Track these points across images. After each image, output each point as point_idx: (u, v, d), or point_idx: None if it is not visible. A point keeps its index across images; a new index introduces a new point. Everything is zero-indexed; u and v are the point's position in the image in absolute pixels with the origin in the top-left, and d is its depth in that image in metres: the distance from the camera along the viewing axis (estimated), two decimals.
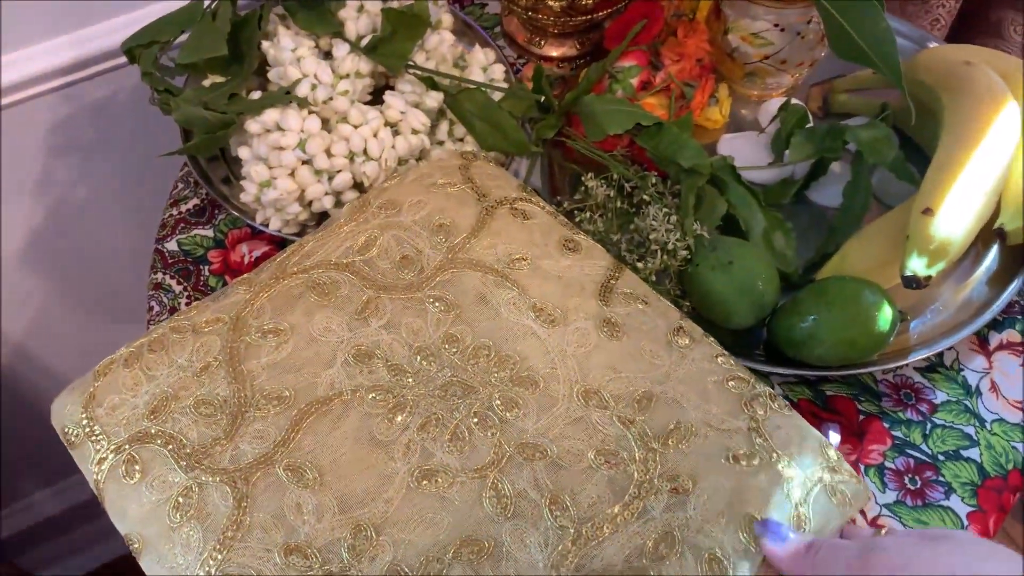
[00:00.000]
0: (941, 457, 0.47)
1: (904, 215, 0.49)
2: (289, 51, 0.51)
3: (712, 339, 0.41)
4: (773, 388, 0.47)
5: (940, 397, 0.49)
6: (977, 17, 0.80)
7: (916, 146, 0.57)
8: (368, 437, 0.37)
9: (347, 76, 0.51)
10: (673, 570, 0.33)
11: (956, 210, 0.47)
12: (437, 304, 0.41)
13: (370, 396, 0.38)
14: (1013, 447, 0.47)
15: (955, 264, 0.51)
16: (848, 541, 0.32)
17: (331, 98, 0.50)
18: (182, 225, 0.57)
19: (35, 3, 0.59)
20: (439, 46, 0.55)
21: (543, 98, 0.55)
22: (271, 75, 0.52)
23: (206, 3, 0.53)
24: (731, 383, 0.39)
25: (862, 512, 0.46)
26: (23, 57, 0.61)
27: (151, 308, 0.54)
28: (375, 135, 0.50)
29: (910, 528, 0.45)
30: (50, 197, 0.73)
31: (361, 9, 0.53)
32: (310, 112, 0.49)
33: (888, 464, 0.47)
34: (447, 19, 0.56)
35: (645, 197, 0.50)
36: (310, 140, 0.48)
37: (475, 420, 0.37)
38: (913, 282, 0.45)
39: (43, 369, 0.88)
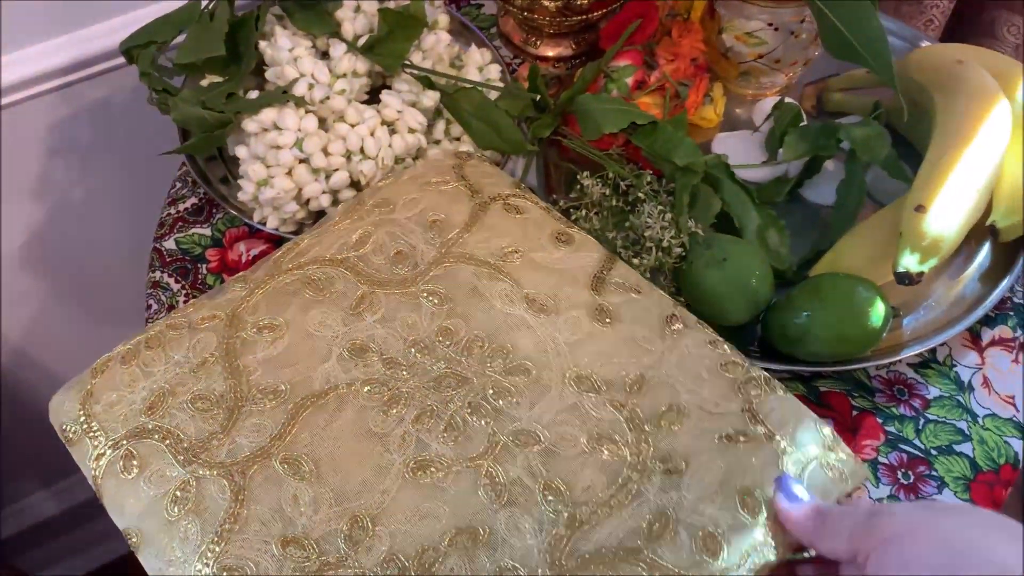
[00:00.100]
0: (934, 452, 0.48)
1: (897, 212, 0.49)
2: (286, 51, 0.51)
3: (706, 326, 0.41)
4: None
5: (933, 392, 0.50)
6: (971, 17, 0.80)
7: (909, 144, 0.57)
8: (364, 430, 0.37)
9: (344, 76, 0.51)
10: (667, 549, 0.34)
11: (948, 207, 0.47)
12: (431, 298, 0.41)
13: (365, 389, 0.38)
14: (1005, 442, 0.48)
15: (948, 261, 0.51)
16: (855, 507, 0.32)
17: (328, 97, 0.50)
18: (180, 224, 0.58)
19: (33, 4, 0.59)
20: (436, 46, 0.55)
21: (539, 97, 0.55)
22: (268, 75, 0.52)
23: (204, 4, 0.53)
24: (725, 367, 0.39)
25: None
26: (21, 58, 0.62)
27: (149, 306, 0.54)
28: (372, 134, 0.50)
29: None
30: (49, 197, 0.73)
31: (358, 9, 0.54)
32: (307, 111, 0.50)
33: (881, 459, 0.48)
34: (443, 19, 0.57)
35: (640, 195, 0.50)
36: (307, 139, 0.49)
37: (469, 410, 0.38)
38: (906, 278, 0.45)
39: (41, 369, 0.88)
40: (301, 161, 0.49)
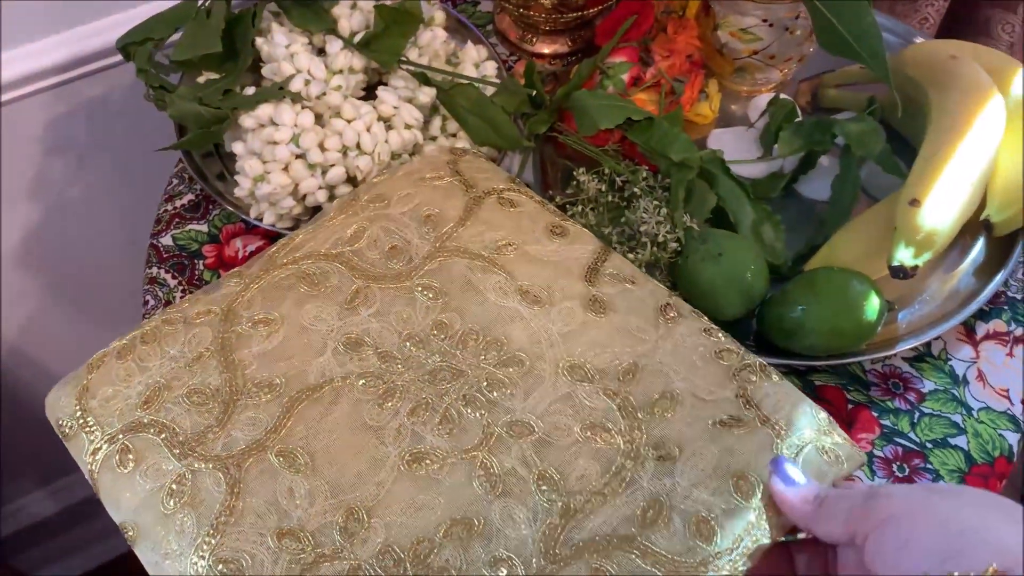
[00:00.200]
0: (929, 445, 0.48)
1: (891, 207, 0.49)
2: (283, 47, 0.51)
3: (701, 315, 0.42)
4: None
5: (928, 386, 0.50)
6: (966, 16, 0.81)
7: (903, 140, 0.57)
8: (359, 423, 0.37)
9: (340, 72, 0.52)
10: (661, 535, 0.34)
11: (942, 201, 0.47)
12: (426, 292, 0.41)
13: (360, 383, 0.38)
14: (1000, 435, 0.48)
15: (942, 255, 0.52)
16: (852, 490, 0.32)
17: (324, 93, 0.50)
18: (177, 220, 0.58)
19: (29, 2, 0.60)
20: (432, 42, 0.55)
21: (535, 93, 0.55)
22: (265, 71, 0.52)
23: (200, 1, 0.53)
24: (719, 355, 0.39)
25: None
26: (17, 56, 0.62)
27: (146, 302, 0.54)
28: (368, 130, 0.50)
29: None
30: (45, 195, 0.73)
31: (354, 6, 0.54)
32: (304, 107, 0.50)
33: (877, 452, 0.48)
34: (440, 16, 0.57)
35: (636, 191, 0.50)
36: (304, 134, 0.49)
37: (463, 403, 0.38)
38: (900, 272, 0.46)
39: (39, 368, 0.88)
40: (297, 157, 0.49)
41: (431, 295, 0.41)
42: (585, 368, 0.39)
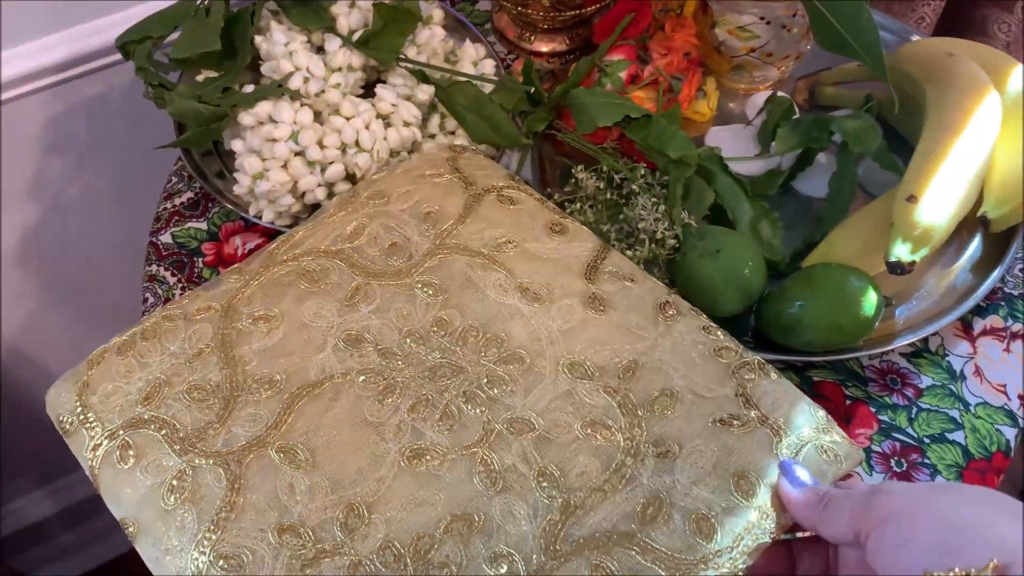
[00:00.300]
0: (927, 440, 0.48)
1: (888, 204, 0.50)
2: (282, 45, 0.51)
3: (700, 313, 0.42)
4: None
5: (925, 382, 0.50)
6: (962, 15, 0.81)
7: (900, 137, 0.58)
8: (359, 419, 0.37)
9: (339, 70, 0.52)
10: (661, 532, 0.34)
11: (939, 197, 0.47)
12: (426, 289, 0.41)
13: (361, 379, 0.38)
14: (997, 430, 0.48)
15: (939, 252, 0.52)
16: (854, 489, 0.32)
17: (323, 91, 0.50)
18: (176, 218, 0.58)
19: (29, 1, 0.60)
20: (430, 40, 0.55)
21: (533, 90, 0.55)
22: (264, 69, 0.53)
23: (199, 0, 0.53)
24: (718, 352, 0.40)
25: None
26: (16, 55, 0.62)
27: (145, 299, 0.54)
28: (367, 127, 0.50)
29: None
30: (44, 194, 0.73)
31: (353, 4, 0.54)
32: (303, 105, 0.50)
33: (875, 447, 0.48)
34: (438, 14, 0.57)
35: (634, 188, 0.51)
36: (303, 132, 0.49)
37: (463, 399, 0.38)
38: (898, 268, 0.46)
39: (38, 367, 0.88)
40: (297, 154, 0.49)
41: (431, 292, 0.41)
42: (585, 365, 0.39)
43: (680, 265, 0.48)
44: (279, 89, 0.49)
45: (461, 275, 0.42)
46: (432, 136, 0.55)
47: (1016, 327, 0.52)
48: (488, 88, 0.55)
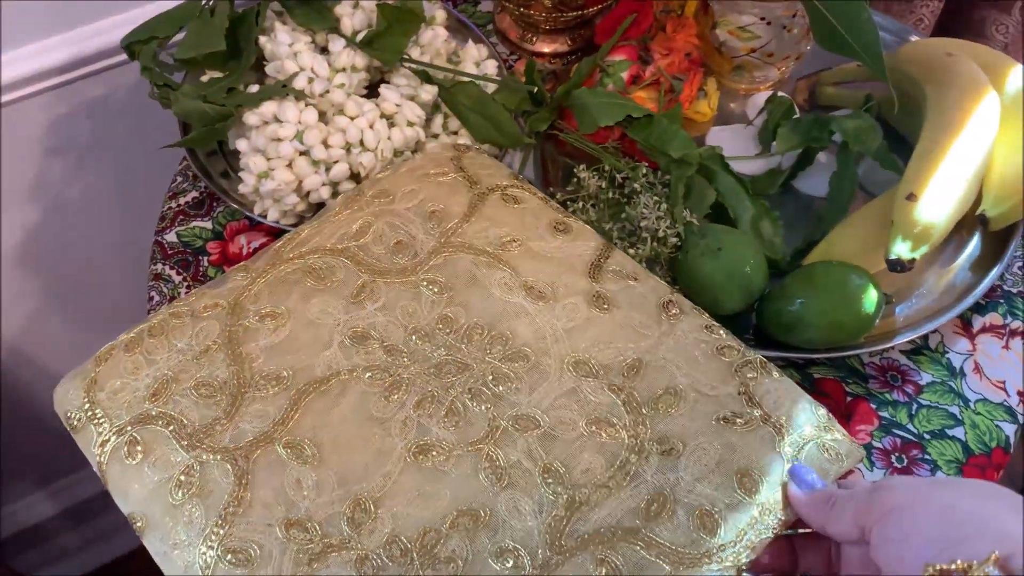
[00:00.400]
0: (927, 436, 0.48)
1: (888, 202, 0.50)
2: (286, 46, 0.52)
3: (702, 311, 0.42)
4: None
5: (925, 378, 0.51)
6: (960, 17, 0.82)
7: (900, 136, 0.58)
8: (366, 415, 0.38)
9: (343, 70, 0.52)
10: (665, 528, 0.34)
11: (939, 196, 0.48)
12: (431, 287, 0.42)
13: (367, 375, 0.39)
14: (997, 426, 0.49)
15: (939, 250, 0.52)
16: (859, 485, 0.32)
17: (328, 91, 0.51)
18: (181, 217, 0.58)
19: (32, 2, 0.60)
20: (433, 41, 0.56)
21: (536, 90, 0.56)
22: (268, 69, 0.53)
23: (204, 0, 0.54)
24: (721, 351, 0.40)
25: None
26: (19, 56, 0.62)
27: (151, 298, 0.54)
28: (371, 127, 0.51)
29: None
30: (46, 196, 0.73)
31: (356, 5, 0.54)
32: (307, 104, 0.50)
33: (876, 443, 0.48)
34: (441, 15, 0.57)
35: (636, 187, 0.51)
36: (307, 131, 0.49)
37: (469, 396, 0.38)
38: (898, 265, 0.46)
39: (39, 368, 0.88)
40: (301, 153, 0.50)
41: (436, 290, 0.42)
42: (590, 364, 0.39)
43: (682, 263, 0.49)
44: (284, 89, 0.50)
45: (466, 273, 0.42)
46: (435, 136, 0.56)
47: (1015, 324, 0.53)
48: (491, 88, 0.55)
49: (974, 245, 0.54)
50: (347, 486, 0.36)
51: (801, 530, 0.35)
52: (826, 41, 0.48)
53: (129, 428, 0.37)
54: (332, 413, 0.38)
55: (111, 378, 0.39)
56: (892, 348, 0.51)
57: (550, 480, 0.36)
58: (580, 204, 0.52)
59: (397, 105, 0.52)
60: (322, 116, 0.51)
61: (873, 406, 0.50)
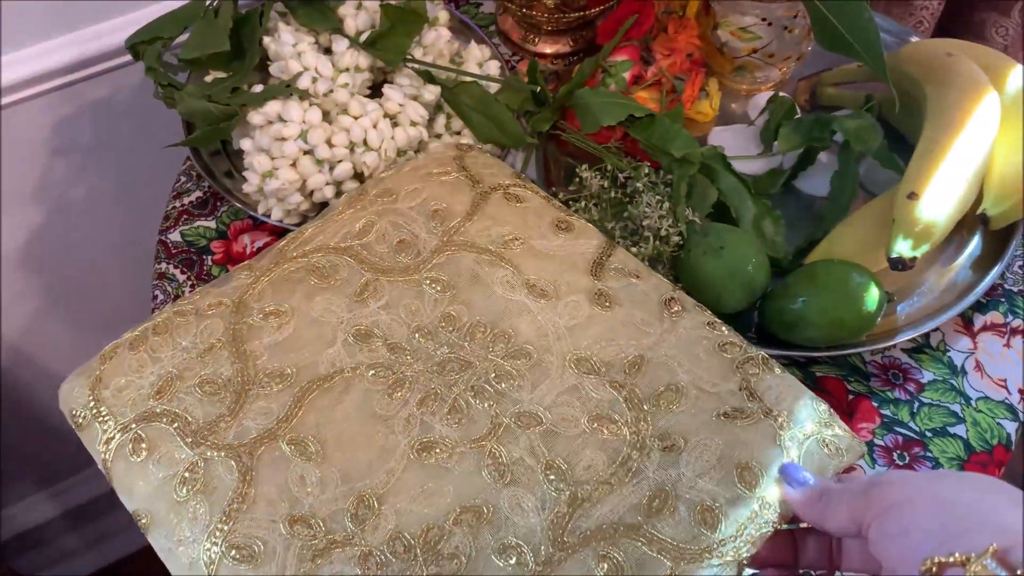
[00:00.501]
0: (928, 434, 0.49)
1: (889, 202, 0.50)
2: (290, 46, 0.52)
3: (704, 309, 0.42)
4: None
5: (927, 377, 0.51)
6: (959, 19, 0.82)
7: (901, 137, 0.58)
8: (369, 412, 0.38)
9: (347, 70, 0.52)
10: (667, 523, 0.34)
11: (939, 194, 0.48)
12: (434, 285, 0.42)
13: (370, 373, 0.39)
14: (998, 423, 0.49)
15: (940, 249, 0.53)
16: (855, 480, 0.32)
17: (331, 91, 0.51)
18: (185, 217, 0.58)
19: (36, 3, 0.60)
20: (436, 42, 0.56)
21: (539, 90, 0.56)
22: (272, 69, 0.53)
23: (208, 1, 0.54)
24: (722, 348, 0.40)
25: None
26: (22, 57, 0.62)
27: (155, 297, 0.55)
28: (375, 126, 0.51)
29: None
30: (49, 196, 0.73)
31: (360, 6, 0.55)
32: (311, 104, 0.51)
33: (877, 441, 0.48)
34: (444, 16, 0.58)
35: (638, 186, 0.51)
36: (311, 131, 0.49)
37: (472, 393, 0.38)
38: (899, 264, 0.46)
39: (40, 370, 0.88)
40: (305, 153, 0.50)
41: (439, 288, 0.42)
42: (592, 361, 0.39)
43: (684, 262, 0.49)
44: (288, 89, 0.50)
45: (469, 272, 0.42)
46: (438, 136, 0.56)
47: (1016, 323, 0.53)
48: (494, 88, 0.56)
49: (975, 244, 0.54)
50: (351, 483, 0.36)
51: (802, 524, 0.36)
52: (827, 41, 0.49)
53: (134, 425, 0.38)
54: (336, 410, 0.38)
55: (116, 376, 0.39)
56: (894, 346, 0.52)
57: (552, 477, 0.36)
58: (582, 204, 0.52)
59: (400, 105, 0.52)
60: (326, 116, 0.51)
61: (875, 404, 0.50)
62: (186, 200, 0.59)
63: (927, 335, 0.52)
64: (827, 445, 0.37)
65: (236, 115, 0.51)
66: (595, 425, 0.37)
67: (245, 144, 0.51)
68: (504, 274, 0.42)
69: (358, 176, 0.52)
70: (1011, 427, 0.49)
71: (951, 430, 0.49)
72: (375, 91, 0.55)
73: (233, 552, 0.34)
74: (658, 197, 0.50)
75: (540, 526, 0.35)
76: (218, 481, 0.36)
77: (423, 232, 0.44)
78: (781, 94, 0.59)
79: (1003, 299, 0.54)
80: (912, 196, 0.48)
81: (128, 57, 0.61)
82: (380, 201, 0.45)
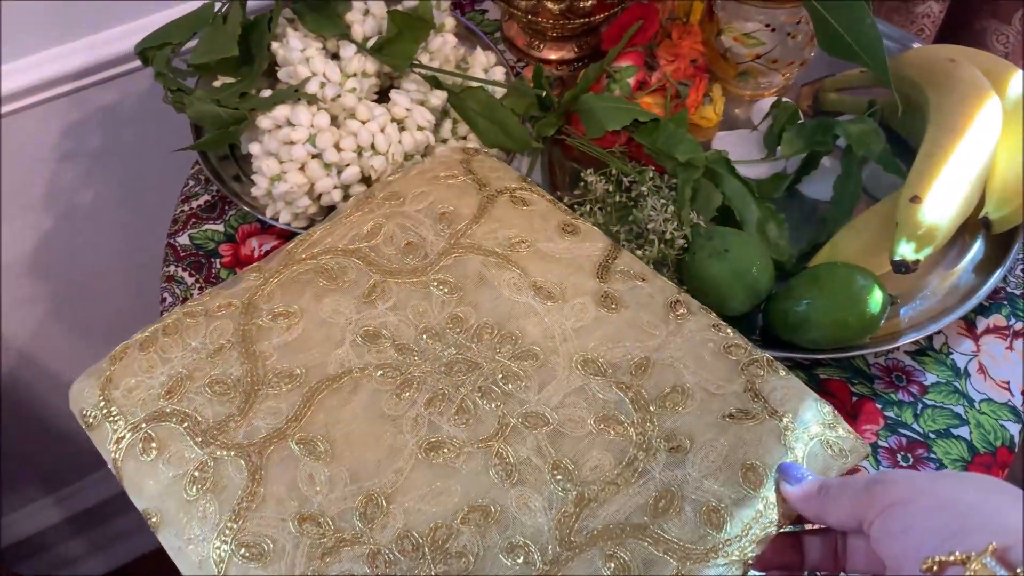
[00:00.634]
0: (932, 435, 0.49)
1: (892, 206, 0.51)
2: (298, 51, 0.53)
3: (709, 311, 0.43)
4: None
5: (930, 379, 0.51)
6: (961, 27, 0.82)
7: (903, 141, 0.59)
8: (377, 412, 0.38)
9: (354, 75, 0.53)
10: (673, 524, 0.34)
11: (942, 197, 0.48)
12: (441, 287, 0.42)
13: (378, 373, 0.39)
14: (1001, 425, 0.49)
15: (942, 253, 0.53)
16: (855, 476, 0.33)
17: (339, 96, 0.51)
18: (193, 220, 0.59)
19: (45, 9, 0.61)
20: (442, 47, 0.57)
21: (544, 94, 0.56)
22: (281, 74, 0.54)
23: (217, 7, 0.55)
24: (728, 350, 0.40)
25: None
26: (32, 63, 0.63)
27: (164, 299, 0.55)
28: (382, 130, 0.51)
29: None
30: (57, 201, 0.74)
31: (367, 12, 0.55)
32: (319, 109, 0.51)
33: (881, 443, 0.49)
34: (450, 22, 0.58)
35: (643, 190, 0.52)
36: (320, 135, 0.50)
37: (479, 394, 0.39)
38: (902, 266, 0.47)
39: (45, 375, 0.88)
40: (314, 156, 0.50)
41: (447, 290, 0.42)
42: (598, 362, 0.40)
43: (689, 265, 0.49)
44: (296, 93, 0.50)
45: (476, 274, 0.43)
46: (444, 141, 0.57)
47: (1018, 326, 0.53)
48: (499, 93, 0.56)
49: (977, 248, 0.55)
50: (359, 482, 0.36)
51: (807, 526, 0.36)
52: (830, 46, 0.49)
53: (144, 425, 0.38)
54: (344, 410, 0.38)
55: (126, 376, 0.39)
56: (897, 349, 0.52)
57: (559, 477, 0.36)
58: (587, 207, 0.52)
59: (407, 110, 0.53)
60: (334, 120, 0.52)
61: (879, 406, 0.50)
62: (194, 204, 0.60)
63: (930, 338, 0.52)
64: (831, 446, 0.37)
65: (245, 119, 0.51)
66: (602, 426, 0.38)
67: (254, 148, 0.52)
68: (511, 276, 0.43)
69: (366, 180, 0.53)
70: (1014, 429, 0.49)
71: (955, 432, 0.49)
72: (382, 96, 0.56)
73: (243, 550, 0.34)
74: (663, 201, 0.50)
75: (547, 526, 0.35)
76: (227, 480, 0.36)
77: (430, 234, 0.44)
78: (784, 99, 0.59)
79: (1005, 302, 0.54)
80: (915, 200, 0.48)
81: (136, 63, 0.62)
82: (388, 204, 0.46)
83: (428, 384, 0.39)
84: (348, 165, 0.51)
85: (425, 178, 0.47)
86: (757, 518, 0.35)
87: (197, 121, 0.55)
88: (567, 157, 0.58)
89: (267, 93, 0.52)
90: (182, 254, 0.57)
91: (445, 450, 0.37)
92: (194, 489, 0.36)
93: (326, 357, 0.40)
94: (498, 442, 0.37)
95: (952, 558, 0.26)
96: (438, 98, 0.55)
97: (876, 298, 0.46)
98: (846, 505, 0.31)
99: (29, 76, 0.63)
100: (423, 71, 0.55)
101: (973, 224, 0.52)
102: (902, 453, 0.48)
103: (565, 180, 0.58)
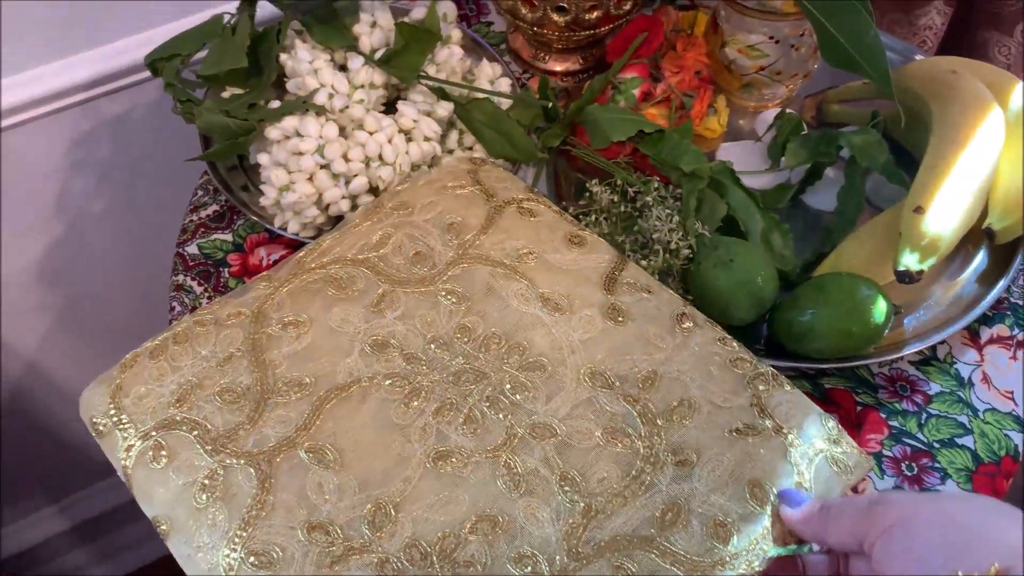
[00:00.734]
0: (936, 445, 0.49)
1: (895, 216, 0.51)
2: (307, 63, 0.53)
3: (715, 324, 0.43)
4: None
5: (934, 388, 0.51)
6: (963, 38, 0.83)
7: (906, 153, 0.59)
8: (386, 421, 0.38)
9: (362, 87, 0.53)
10: (680, 536, 0.35)
11: (945, 208, 0.49)
12: (449, 297, 0.43)
13: (387, 383, 0.40)
14: (1005, 435, 0.49)
15: (946, 263, 0.53)
16: (856, 497, 0.33)
17: (347, 107, 0.52)
18: (202, 230, 0.59)
19: (56, 21, 0.61)
20: (449, 59, 0.57)
21: (550, 105, 0.57)
22: (289, 86, 0.54)
23: (226, 19, 0.55)
24: (733, 363, 0.41)
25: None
26: (42, 74, 0.64)
27: (172, 308, 0.55)
28: (390, 141, 0.52)
29: None
30: (67, 211, 0.74)
31: (374, 24, 0.56)
32: (328, 120, 0.52)
33: (886, 452, 0.49)
34: (456, 34, 0.59)
35: (648, 200, 0.52)
36: (328, 145, 0.50)
37: (487, 404, 0.39)
38: (906, 276, 0.47)
39: (53, 384, 0.89)
40: (322, 167, 0.51)
41: (455, 300, 0.42)
42: (606, 375, 0.40)
43: (694, 275, 0.50)
44: (305, 105, 0.51)
45: (484, 284, 0.43)
46: (451, 151, 0.57)
47: (1022, 336, 0.53)
48: (505, 105, 0.57)
49: (980, 258, 0.55)
50: (368, 490, 0.36)
51: (812, 547, 0.36)
52: (833, 58, 0.50)
53: (154, 433, 0.38)
54: (353, 419, 0.38)
55: (136, 384, 0.40)
56: (901, 358, 0.52)
57: (567, 488, 0.36)
58: (593, 217, 0.53)
59: (414, 121, 0.53)
60: (342, 131, 0.52)
61: (883, 415, 0.50)
62: (203, 213, 0.60)
63: (934, 347, 0.53)
64: (836, 463, 0.37)
65: (254, 130, 0.52)
66: (609, 438, 0.38)
67: (262, 158, 0.52)
68: (519, 287, 0.43)
69: (373, 190, 0.53)
70: (1018, 438, 0.49)
71: (959, 441, 0.49)
72: (390, 107, 0.56)
73: (252, 558, 0.35)
74: (668, 211, 0.51)
75: (555, 536, 0.35)
76: (237, 488, 0.36)
77: (439, 244, 0.45)
78: (788, 111, 0.60)
79: (1009, 312, 0.54)
80: (918, 210, 0.48)
81: (145, 74, 0.62)
82: (396, 214, 0.46)
83: (436, 393, 0.39)
84: (356, 175, 0.51)
85: (433, 188, 0.48)
86: (764, 534, 0.35)
87: (206, 132, 0.55)
88: (572, 168, 0.58)
89: (276, 104, 0.53)
90: (191, 263, 0.58)
91: (453, 459, 0.37)
92: (204, 497, 0.36)
93: (335, 366, 0.40)
94: (506, 452, 0.37)
95: None
96: (445, 109, 0.55)
97: (880, 308, 0.47)
98: (847, 525, 0.31)
99: (40, 86, 0.63)
100: (430, 83, 0.56)
101: (976, 235, 0.53)
102: (906, 463, 0.48)
103: (570, 190, 0.58)
